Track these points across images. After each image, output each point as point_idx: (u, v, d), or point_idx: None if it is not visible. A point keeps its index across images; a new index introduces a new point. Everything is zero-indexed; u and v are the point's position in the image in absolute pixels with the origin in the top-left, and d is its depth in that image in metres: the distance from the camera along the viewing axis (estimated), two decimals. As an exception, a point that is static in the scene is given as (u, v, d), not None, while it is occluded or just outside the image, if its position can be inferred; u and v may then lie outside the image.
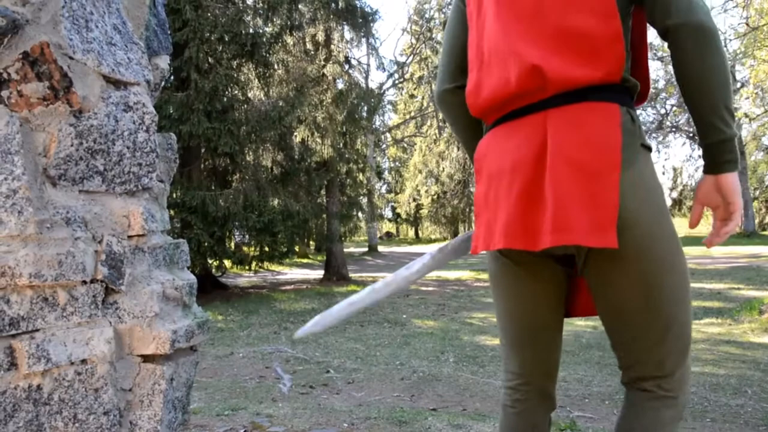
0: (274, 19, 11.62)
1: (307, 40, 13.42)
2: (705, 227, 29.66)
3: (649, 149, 1.20)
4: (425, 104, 25.91)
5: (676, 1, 1.12)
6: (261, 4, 11.72)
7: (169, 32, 1.69)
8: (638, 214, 1.13)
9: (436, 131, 23.64)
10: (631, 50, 1.28)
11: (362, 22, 13.97)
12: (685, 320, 1.19)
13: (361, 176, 15.66)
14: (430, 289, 12.00)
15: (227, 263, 12.36)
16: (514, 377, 1.41)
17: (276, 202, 11.38)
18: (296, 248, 15.35)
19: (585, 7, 1.15)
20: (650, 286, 1.16)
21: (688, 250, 19.37)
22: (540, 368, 1.38)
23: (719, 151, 1.13)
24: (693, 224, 1.24)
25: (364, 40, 15.60)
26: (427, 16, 23.55)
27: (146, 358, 1.34)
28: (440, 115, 23.05)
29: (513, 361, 1.40)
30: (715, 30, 1.10)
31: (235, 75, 11.05)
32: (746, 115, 16.10)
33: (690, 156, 28.21)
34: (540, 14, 1.19)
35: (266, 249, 11.66)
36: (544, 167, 1.15)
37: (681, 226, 30.35)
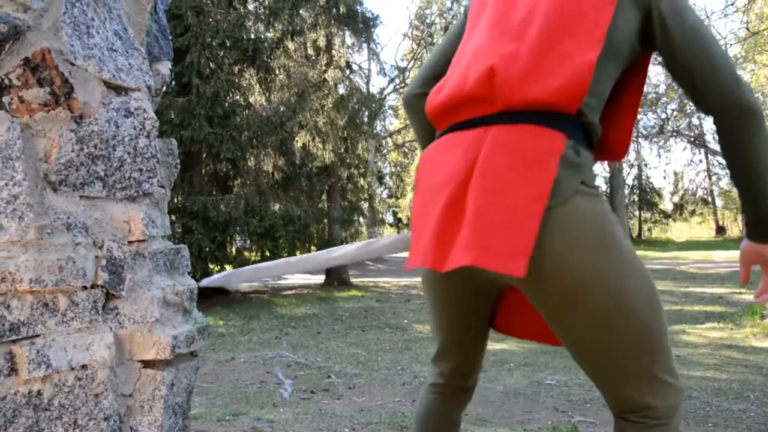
0: (276, 25, 11.64)
1: (308, 45, 13.46)
2: (705, 231, 29.66)
3: (594, 190, 1.10)
4: (426, 109, 25.91)
5: (721, 79, 1.08)
6: (262, 10, 11.76)
7: (170, 38, 1.70)
8: (566, 257, 1.04)
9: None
10: (617, 98, 1.22)
11: (363, 27, 14.01)
12: (652, 355, 1.10)
13: (362, 181, 15.67)
14: (432, 293, 11.95)
15: (228, 268, 12.35)
16: (436, 373, 1.45)
17: (277, 207, 11.38)
18: (297, 253, 15.34)
19: (571, 27, 1.10)
20: (596, 329, 1.08)
21: (689, 254, 19.36)
22: (460, 371, 1.41)
23: (763, 224, 1.13)
24: (744, 282, 1.25)
25: (365, 45, 15.62)
26: (428, 21, 23.59)
27: (146, 364, 1.34)
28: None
29: (437, 359, 1.44)
30: (761, 111, 1.08)
31: (237, 80, 11.08)
32: (747, 120, 16.08)
33: (691, 161, 28.27)
34: (526, 24, 1.15)
35: (267, 254, 11.66)
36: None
37: (682, 230, 30.34)
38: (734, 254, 16.65)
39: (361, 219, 16.65)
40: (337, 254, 1.45)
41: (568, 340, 1.13)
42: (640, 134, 20.85)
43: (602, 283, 1.05)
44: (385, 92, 22.49)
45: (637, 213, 30.43)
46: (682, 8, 1.12)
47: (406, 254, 1.31)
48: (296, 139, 12.88)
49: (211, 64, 10.51)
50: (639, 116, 21.01)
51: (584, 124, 1.11)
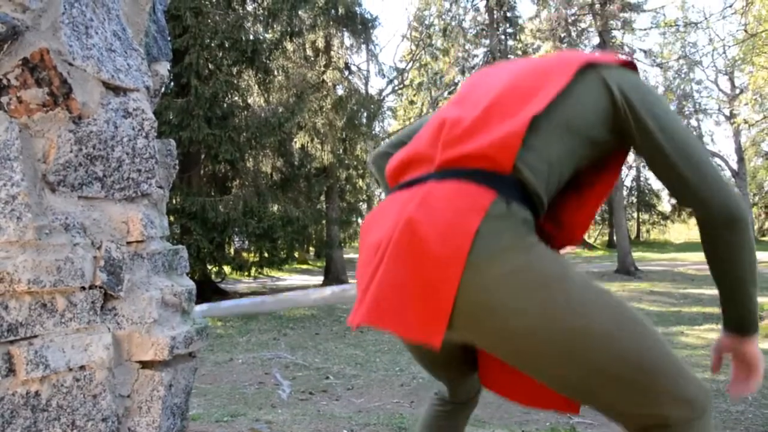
0: (275, 26, 11.65)
1: (307, 46, 13.47)
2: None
3: (527, 242, 1.03)
4: (425, 111, 25.97)
5: (708, 186, 1.08)
6: (261, 11, 11.77)
7: (168, 39, 1.70)
8: (498, 311, 0.99)
9: (436, 137, 23.63)
10: (585, 185, 1.22)
11: (362, 28, 14.03)
12: (650, 373, 1.01)
13: (360, 182, 15.69)
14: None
15: (227, 269, 12.34)
16: (439, 388, 1.47)
17: (276, 208, 11.38)
18: (296, 254, 15.34)
19: (522, 97, 1.10)
20: (569, 369, 1.01)
21: (688, 256, 19.38)
22: (456, 395, 1.42)
23: (744, 321, 1.14)
24: (715, 371, 1.22)
25: (363, 46, 15.65)
26: (426, 22, 23.61)
27: (145, 365, 1.34)
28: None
29: (434, 380, 1.46)
30: (748, 220, 1.09)
31: (235, 81, 11.09)
32: (745, 121, 16.12)
33: (689, 162, 28.14)
34: (484, 96, 1.15)
35: (266, 255, 11.66)
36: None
37: (680, 232, 30.37)
38: (732, 256, 16.65)
39: (359, 220, 16.64)
40: (312, 298, 1.46)
41: (549, 383, 1.07)
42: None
43: (548, 329, 0.99)
44: (384, 93, 22.48)
45: (635, 214, 30.44)
46: (663, 112, 1.11)
47: None
48: (295, 140, 12.90)
49: (210, 65, 10.51)
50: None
51: (522, 184, 1.06)
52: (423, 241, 1.01)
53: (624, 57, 1.19)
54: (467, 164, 1.07)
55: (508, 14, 21.58)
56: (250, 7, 12.09)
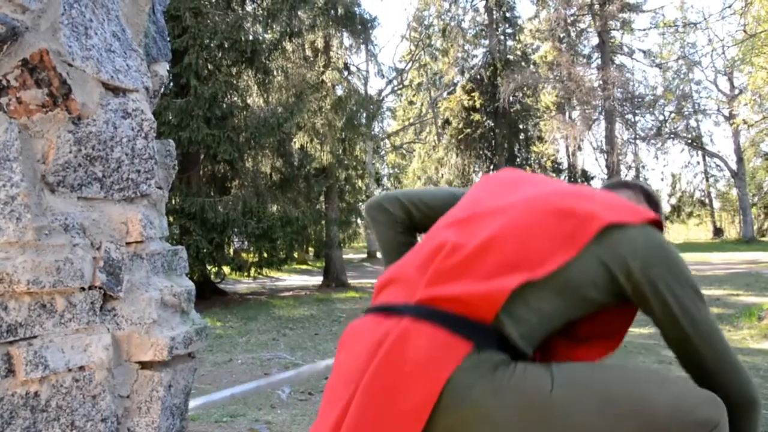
0: (274, 26, 11.65)
1: (306, 46, 13.47)
2: (702, 233, 29.70)
3: (506, 380, 1.01)
4: (424, 111, 25.97)
5: (735, 375, 1.07)
6: (260, 11, 11.77)
7: (168, 39, 1.70)
8: None
9: (435, 138, 23.69)
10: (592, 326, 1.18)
11: (361, 28, 14.03)
12: (676, 409, 1.01)
13: (360, 182, 15.68)
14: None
15: (226, 269, 12.34)
16: None
17: (275, 208, 11.38)
18: (295, 254, 15.35)
19: (521, 247, 1.06)
20: None
21: (688, 256, 19.37)
22: None
23: None
24: None
25: (363, 46, 15.65)
26: (426, 23, 23.62)
27: (144, 365, 1.34)
28: (439, 122, 23.08)
29: None
30: (760, 404, 1.08)
31: (235, 81, 11.09)
32: (744, 122, 16.15)
33: (688, 162, 28.22)
34: (487, 222, 1.12)
35: (265, 255, 11.66)
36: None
37: (679, 232, 30.39)
38: (731, 256, 16.70)
39: (358, 220, 16.65)
40: (287, 375, 1.42)
41: None
42: (638, 136, 20.89)
43: None
44: (383, 94, 22.53)
45: (634, 215, 30.34)
46: (691, 302, 1.09)
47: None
48: (294, 140, 12.90)
49: (209, 66, 10.51)
50: (637, 118, 21.09)
51: (503, 337, 1.04)
52: (391, 393, 1.00)
53: (650, 213, 1.13)
54: (449, 308, 1.04)
55: (508, 14, 21.58)
56: (249, 8, 12.09)
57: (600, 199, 1.14)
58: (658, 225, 1.13)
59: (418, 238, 1.50)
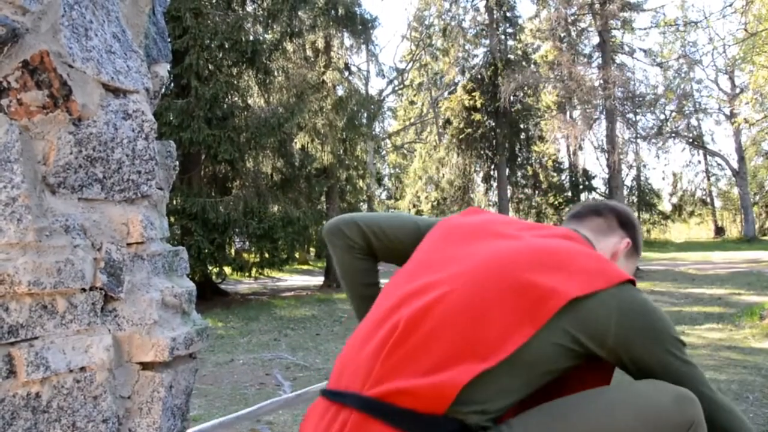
0: (274, 26, 11.66)
1: (307, 47, 13.47)
2: (704, 231, 29.68)
3: None
4: (425, 111, 25.96)
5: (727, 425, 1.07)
6: (261, 12, 11.78)
7: (168, 40, 1.70)
8: None
9: (436, 138, 23.69)
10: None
11: (362, 28, 14.03)
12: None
13: (361, 183, 15.69)
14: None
15: (227, 270, 12.35)
16: None
17: (276, 208, 11.38)
18: (296, 255, 15.34)
19: (473, 331, 1.01)
20: None
21: (688, 255, 19.36)
22: None
23: None
24: None
25: (363, 46, 15.66)
26: (426, 22, 23.61)
27: (145, 366, 1.34)
28: (440, 121, 23.07)
29: None
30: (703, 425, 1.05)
31: (236, 82, 11.10)
32: (746, 121, 16.12)
33: (689, 162, 28.21)
34: (436, 302, 1.07)
35: (266, 256, 11.67)
36: None
37: (681, 231, 30.36)
38: (733, 255, 16.68)
39: (360, 220, 16.62)
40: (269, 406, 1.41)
41: None
42: (639, 135, 20.87)
43: None
44: (384, 94, 22.53)
45: (636, 214, 30.39)
46: (673, 357, 1.07)
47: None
48: (295, 140, 12.90)
49: (210, 66, 10.51)
50: (638, 117, 21.06)
51: (459, 422, 1.00)
52: None
53: (620, 273, 1.08)
54: (399, 402, 0.99)
55: (508, 14, 21.56)
56: (249, 8, 12.10)
57: (566, 262, 1.08)
58: (630, 281, 1.08)
59: (377, 266, 1.45)
